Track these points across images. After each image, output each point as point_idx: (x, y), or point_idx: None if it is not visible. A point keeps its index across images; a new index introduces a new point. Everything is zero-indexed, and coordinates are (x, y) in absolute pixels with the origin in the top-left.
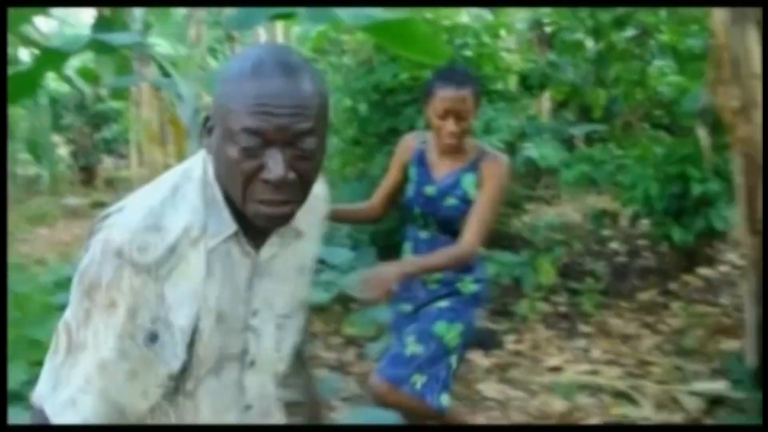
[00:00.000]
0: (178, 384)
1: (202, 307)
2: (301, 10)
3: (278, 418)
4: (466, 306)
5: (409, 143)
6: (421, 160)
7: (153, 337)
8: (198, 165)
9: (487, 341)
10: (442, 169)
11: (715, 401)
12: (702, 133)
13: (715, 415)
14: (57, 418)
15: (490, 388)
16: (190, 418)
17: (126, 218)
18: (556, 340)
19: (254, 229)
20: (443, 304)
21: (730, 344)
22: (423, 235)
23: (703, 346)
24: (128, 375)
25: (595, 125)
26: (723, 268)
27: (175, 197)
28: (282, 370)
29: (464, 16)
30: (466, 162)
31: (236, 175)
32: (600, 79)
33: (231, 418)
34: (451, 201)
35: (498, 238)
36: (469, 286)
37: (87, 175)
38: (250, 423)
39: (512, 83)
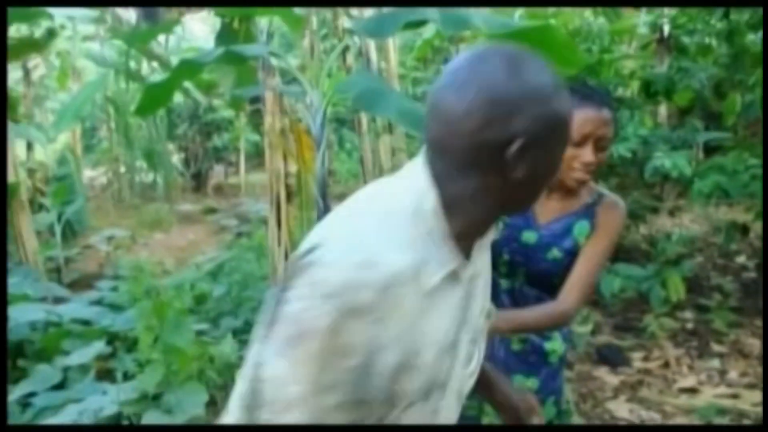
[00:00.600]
0: (373, 415)
1: (416, 346)
2: (434, 17)
3: None
4: (555, 376)
5: None
6: None
7: (364, 377)
8: (408, 196)
9: (614, 357)
10: (549, 213)
11: None
12: None
13: None
14: None
15: (620, 408)
16: None
17: (333, 255)
18: (687, 358)
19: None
20: (531, 384)
21: None
22: (504, 283)
23: None
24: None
25: (716, 133)
26: None
27: (384, 230)
28: (466, 390)
29: (576, 20)
30: (581, 206)
31: None
32: (732, 84)
33: None
34: (554, 253)
35: (617, 250)
36: (556, 346)
37: (198, 181)
38: None
39: (634, 89)
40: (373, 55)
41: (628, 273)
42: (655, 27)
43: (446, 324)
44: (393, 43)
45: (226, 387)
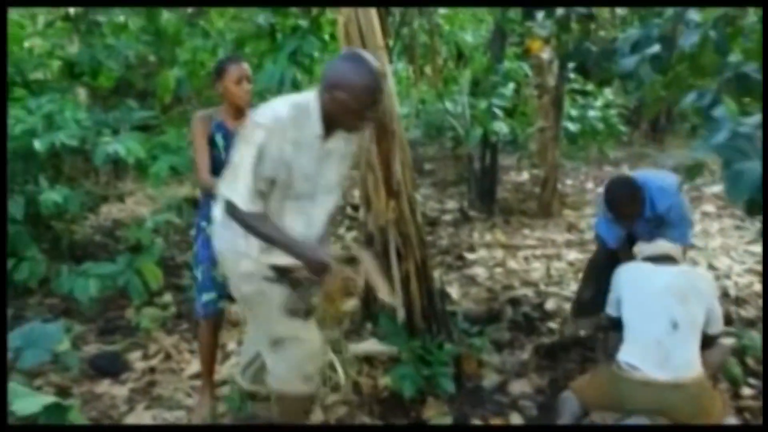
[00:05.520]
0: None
1: (289, 162)
2: None
3: None
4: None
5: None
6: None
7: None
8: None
9: (112, 366)
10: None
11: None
12: None
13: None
14: None
15: (143, 417)
16: None
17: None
18: (184, 343)
19: None
20: None
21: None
22: None
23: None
24: None
25: (147, 112)
26: None
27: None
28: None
29: None
30: None
31: None
32: (161, 62)
33: None
34: None
35: (69, 248)
36: None
37: None
38: None
39: (54, 70)
40: None
41: (100, 271)
42: None
43: (307, 161)
44: None
45: None
